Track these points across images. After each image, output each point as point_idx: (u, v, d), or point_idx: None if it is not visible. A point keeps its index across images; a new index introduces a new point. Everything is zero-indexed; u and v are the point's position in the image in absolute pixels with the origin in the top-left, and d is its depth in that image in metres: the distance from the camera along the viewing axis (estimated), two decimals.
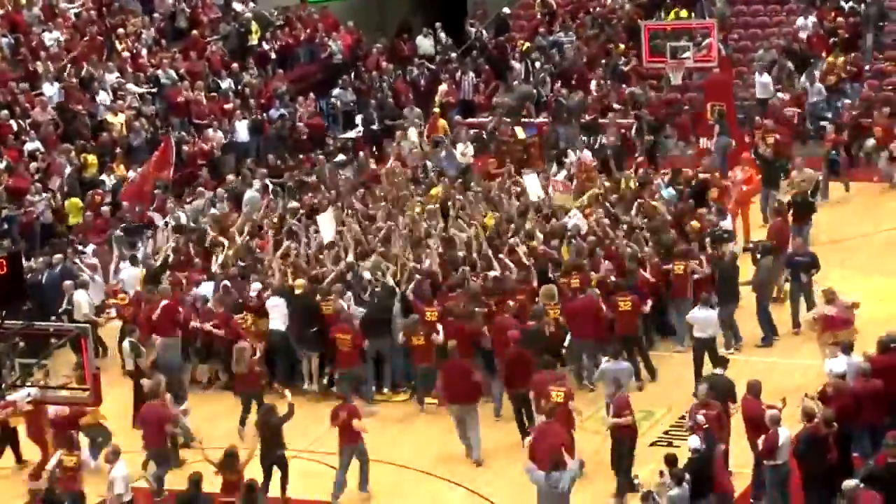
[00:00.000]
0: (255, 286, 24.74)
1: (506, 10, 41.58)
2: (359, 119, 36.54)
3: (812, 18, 37.12)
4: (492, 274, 24.07)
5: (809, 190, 28.01)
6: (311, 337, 23.90)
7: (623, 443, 19.40)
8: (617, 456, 19.47)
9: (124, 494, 18.93)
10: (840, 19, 36.66)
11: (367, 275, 24.63)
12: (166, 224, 29.61)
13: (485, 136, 34.64)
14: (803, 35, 36.81)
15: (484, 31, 40.73)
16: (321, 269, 25.22)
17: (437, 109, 35.30)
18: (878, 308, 22.98)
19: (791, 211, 26.88)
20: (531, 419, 21.05)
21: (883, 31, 37.34)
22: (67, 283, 26.18)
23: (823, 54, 35.51)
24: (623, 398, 19.36)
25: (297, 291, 24.05)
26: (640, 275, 23.74)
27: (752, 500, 18.65)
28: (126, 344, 23.56)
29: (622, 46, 38.35)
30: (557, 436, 18.53)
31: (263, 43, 38.61)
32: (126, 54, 35.88)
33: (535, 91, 37.29)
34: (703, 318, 22.86)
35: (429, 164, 32.18)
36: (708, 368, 22.11)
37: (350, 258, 25.26)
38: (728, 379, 20.54)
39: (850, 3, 37.07)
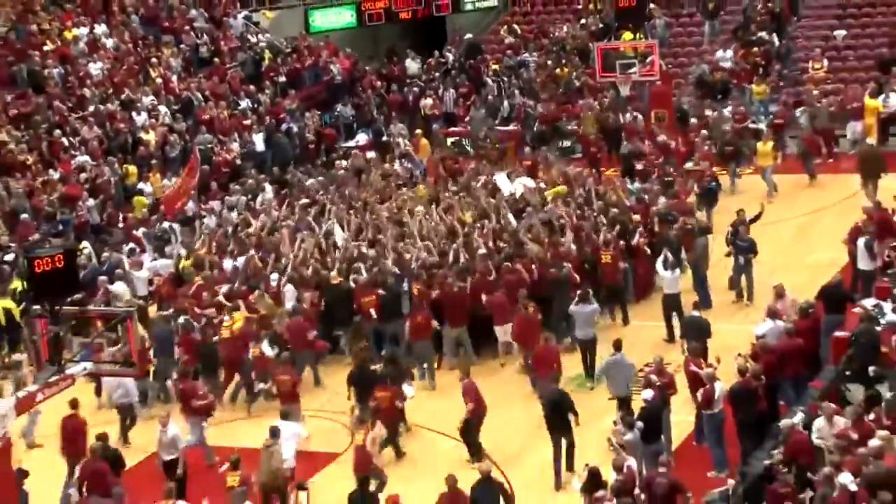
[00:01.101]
0: (274, 276, 24.61)
1: (469, 35, 41.33)
2: (361, 136, 36.36)
3: (730, 51, 37.05)
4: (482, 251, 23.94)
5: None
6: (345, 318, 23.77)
7: None
8: None
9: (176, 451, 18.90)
10: (755, 49, 36.60)
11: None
12: (202, 219, 29.51)
13: (464, 142, 34.58)
14: (724, 65, 36.69)
15: (461, 55, 40.63)
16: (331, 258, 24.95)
17: (418, 131, 35.00)
18: (800, 277, 23.01)
19: None
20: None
21: (790, 60, 37.44)
22: (102, 278, 26.03)
23: (747, 84, 35.49)
24: None
25: (333, 281, 23.88)
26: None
27: (694, 443, 18.70)
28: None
29: (576, 65, 38.34)
30: None
31: (275, 68, 38.51)
32: (159, 80, 35.81)
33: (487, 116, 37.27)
34: (669, 279, 23.14)
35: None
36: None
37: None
38: (705, 319, 21.09)
39: (762, 35, 36.95)
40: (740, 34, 37.77)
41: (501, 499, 17.39)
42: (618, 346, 20.08)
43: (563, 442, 18.71)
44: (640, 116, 33.94)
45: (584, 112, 35.06)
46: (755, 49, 36.60)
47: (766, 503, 15.26)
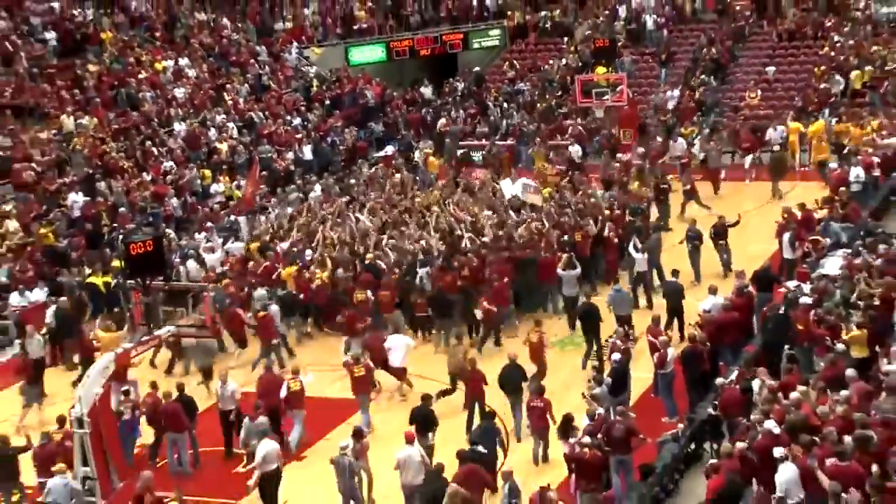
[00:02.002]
0: (308, 252, 24.66)
1: (476, 68, 41.19)
2: (389, 147, 36.19)
3: (677, 91, 36.79)
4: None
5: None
6: None
7: None
8: None
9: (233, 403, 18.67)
10: (697, 92, 36.49)
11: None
12: (265, 212, 29.58)
13: (470, 153, 34.49)
14: (670, 104, 36.34)
15: (469, 83, 40.57)
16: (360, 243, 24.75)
17: (428, 150, 34.90)
18: (740, 263, 22.78)
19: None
20: None
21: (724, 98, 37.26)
22: (176, 259, 26.10)
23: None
24: None
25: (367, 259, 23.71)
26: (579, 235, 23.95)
27: (652, 395, 18.62)
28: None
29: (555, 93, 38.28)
30: None
31: (321, 93, 38.44)
32: (230, 102, 35.82)
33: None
34: (639, 259, 23.08)
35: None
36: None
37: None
38: (680, 283, 21.48)
39: (703, 78, 36.73)
40: (688, 77, 37.39)
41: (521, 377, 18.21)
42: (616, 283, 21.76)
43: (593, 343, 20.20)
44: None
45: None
46: (697, 92, 36.30)
47: None
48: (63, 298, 23.69)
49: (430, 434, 16.79)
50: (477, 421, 17.67)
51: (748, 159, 31.04)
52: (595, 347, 20.33)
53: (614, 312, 20.99)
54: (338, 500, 15.98)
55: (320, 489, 16.78)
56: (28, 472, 17.17)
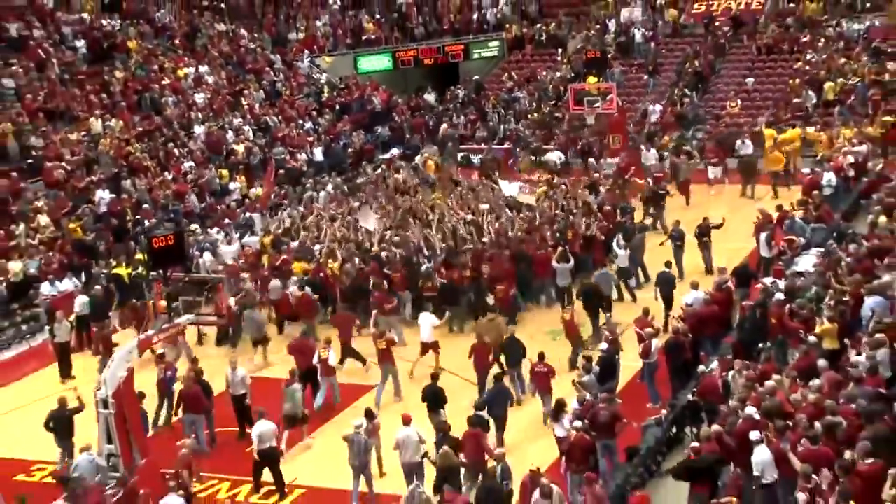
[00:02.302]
0: (316, 247, 24.71)
1: (476, 77, 41.11)
2: (394, 150, 36.19)
3: (660, 105, 36.68)
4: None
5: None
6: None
7: None
8: None
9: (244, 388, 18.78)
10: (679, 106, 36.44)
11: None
12: (279, 209, 29.72)
13: (470, 156, 34.50)
14: (653, 118, 36.24)
15: (469, 91, 40.55)
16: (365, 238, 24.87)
17: (425, 153, 34.73)
18: (721, 261, 22.87)
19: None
20: None
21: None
22: (195, 252, 26.17)
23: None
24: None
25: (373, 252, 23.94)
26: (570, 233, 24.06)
27: (638, 381, 18.69)
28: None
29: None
30: None
31: (332, 99, 38.42)
32: (246, 107, 35.81)
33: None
34: (622, 255, 23.28)
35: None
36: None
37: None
38: (672, 274, 21.82)
39: (686, 91, 36.68)
40: (672, 90, 37.23)
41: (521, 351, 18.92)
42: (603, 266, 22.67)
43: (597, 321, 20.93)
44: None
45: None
46: (679, 106, 36.17)
47: None
48: (97, 287, 23.84)
49: (442, 410, 17.05)
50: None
51: (715, 171, 30.66)
52: (594, 327, 20.90)
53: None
54: (348, 474, 16.08)
55: (332, 465, 16.87)
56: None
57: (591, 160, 32.43)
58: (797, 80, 35.06)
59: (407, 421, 15.93)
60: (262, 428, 16.57)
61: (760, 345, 17.48)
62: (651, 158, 31.19)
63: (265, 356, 21.46)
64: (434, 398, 17.30)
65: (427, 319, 20.55)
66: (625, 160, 31.19)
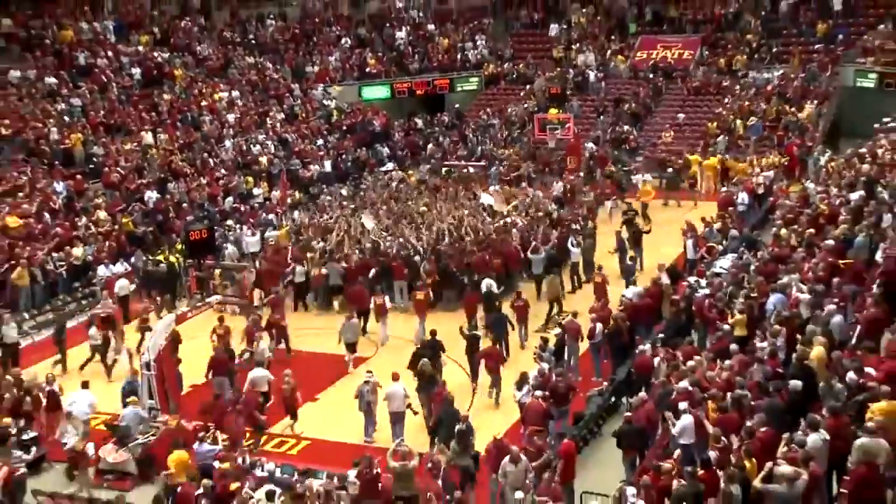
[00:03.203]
0: (321, 244, 24.39)
1: (458, 105, 40.99)
2: (389, 164, 36.01)
3: (591, 144, 35.74)
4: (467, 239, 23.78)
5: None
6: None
7: None
8: None
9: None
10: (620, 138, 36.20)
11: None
12: (292, 211, 29.63)
13: (451, 170, 34.45)
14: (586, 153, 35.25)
15: (453, 117, 40.47)
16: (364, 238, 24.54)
17: (410, 172, 34.58)
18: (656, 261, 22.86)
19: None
20: None
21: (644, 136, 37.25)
22: (223, 244, 26.03)
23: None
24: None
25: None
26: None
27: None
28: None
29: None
30: None
31: (340, 121, 38.23)
32: (269, 125, 35.69)
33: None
34: (574, 252, 23.47)
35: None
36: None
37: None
38: (555, 283, 21.85)
39: (626, 128, 36.49)
40: (611, 129, 36.79)
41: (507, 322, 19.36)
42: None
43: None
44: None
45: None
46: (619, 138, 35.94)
47: None
48: (152, 269, 24.05)
49: (439, 359, 17.52)
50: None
51: (608, 204, 29.70)
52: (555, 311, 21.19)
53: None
54: (347, 429, 16.49)
55: (334, 422, 17.12)
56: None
57: (551, 177, 32.42)
58: (714, 124, 34.78)
59: (395, 378, 16.24)
60: (256, 374, 17.11)
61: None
62: (557, 190, 30.39)
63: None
64: (433, 348, 17.82)
65: None
66: (573, 181, 31.09)
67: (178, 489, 13.57)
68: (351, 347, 19.43)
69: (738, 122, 34.48)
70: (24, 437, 16.05)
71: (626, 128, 36.18)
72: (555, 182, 31.57)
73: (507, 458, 13.25)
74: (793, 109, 34.50)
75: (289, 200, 30.70)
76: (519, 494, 12.59)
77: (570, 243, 23.58)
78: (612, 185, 30.69)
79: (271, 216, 28.92)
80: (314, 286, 23.21)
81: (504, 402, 17.09)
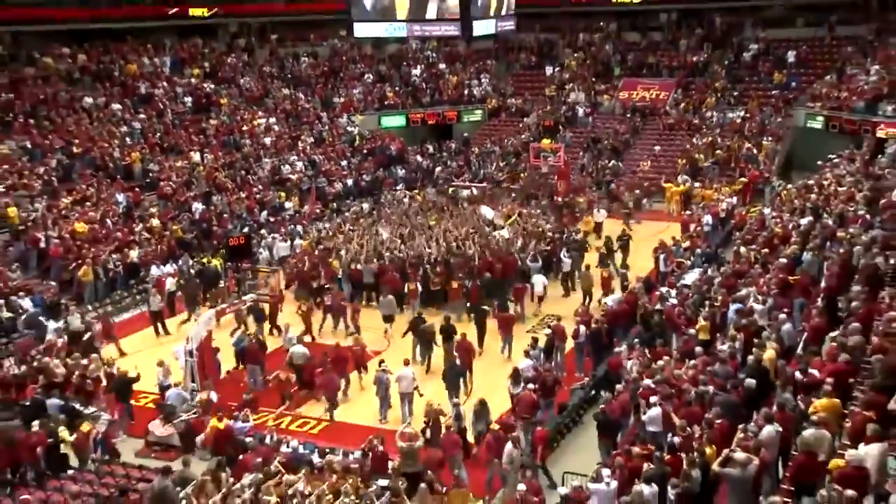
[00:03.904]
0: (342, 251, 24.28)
1: (465, 133, 41.09)
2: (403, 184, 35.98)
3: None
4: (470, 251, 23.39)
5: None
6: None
7: None
8: None
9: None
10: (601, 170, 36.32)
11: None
12: (318, 222, 29.70)
13: (458, 190, 34.28)
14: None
15: (460, 144, 40.55)
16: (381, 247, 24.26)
17: (417, 191, 34.36)
18: (632, 274, 22.92)
19: None
20: None
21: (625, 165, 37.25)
22: (257, 249, 26.12)
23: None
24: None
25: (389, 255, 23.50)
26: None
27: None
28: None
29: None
30: None
31: (362, 145, 38.20)
32: (300, 148, 35.75)
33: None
34: (567, 262, 23.35)
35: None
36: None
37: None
38: (589, 275, 22.14)
39: (607, 163, 36.61)
40: (588, 160, 36.79)
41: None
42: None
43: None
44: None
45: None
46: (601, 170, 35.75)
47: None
48: (198, 270, 24.15)
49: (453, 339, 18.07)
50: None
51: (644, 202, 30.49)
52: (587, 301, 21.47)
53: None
54: (363, 413, 16.57)
55: (351, 405, 17.05)
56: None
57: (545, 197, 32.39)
58: (683, 161, 34.56)
59: (406, 363, 16.62)
60: (297, 350, 17.63)
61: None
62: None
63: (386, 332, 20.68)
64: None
65: None
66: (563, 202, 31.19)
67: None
68: (387, 319, 20.53)
69: (701, 156, 34.46)
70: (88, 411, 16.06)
71: (608, 162, 36.07)
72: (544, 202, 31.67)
73: (509, 445, 13.25)
74: (750, 145, 34.47)
75: (317, 211, 30.75)
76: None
77: (562, 254, 23.58)
78: (569, 212, 30.04)
79: (299, 227, 28.98)
80: (354, 279, 23.01)
81: (496, 391, 17.15)
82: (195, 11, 39.00)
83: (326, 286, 22.51)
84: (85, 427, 14.70)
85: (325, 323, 21.01)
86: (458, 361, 17.09)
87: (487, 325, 19.72)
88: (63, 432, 14.38)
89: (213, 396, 16.38)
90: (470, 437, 14.89)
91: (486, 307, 20.20)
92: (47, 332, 19.64)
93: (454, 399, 15.97)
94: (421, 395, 16.20)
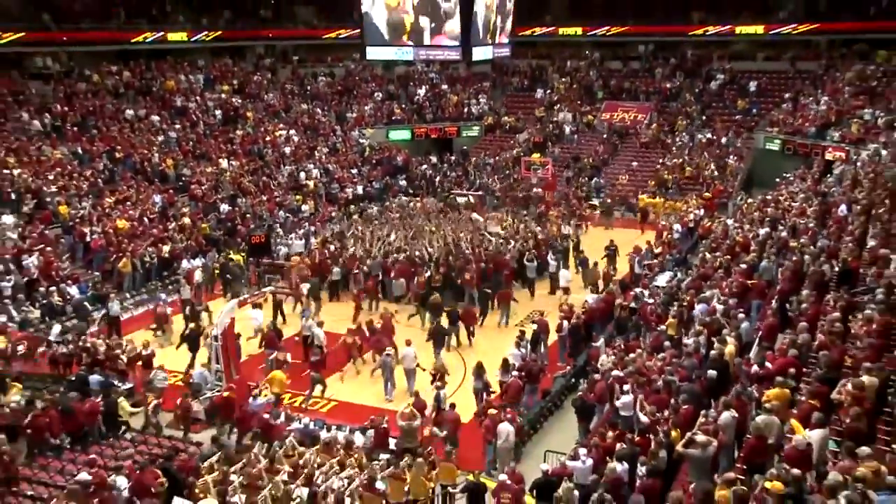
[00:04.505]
0: (352, 248, 24.38)
1: (464, 147, 41.02)
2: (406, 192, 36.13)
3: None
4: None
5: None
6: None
7: None
8: None
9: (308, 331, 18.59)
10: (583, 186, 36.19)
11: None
12: (330, 223, 29.59)
13: (457, 198, 34.33)
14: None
15: (459, 156, 40.53)
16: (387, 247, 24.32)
17: (419, 198, 34.31)
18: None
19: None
20: None
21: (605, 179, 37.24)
22: (276, 247, 25.96)
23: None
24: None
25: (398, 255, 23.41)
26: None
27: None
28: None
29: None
30: None
31: (371, 156, 38.16)
32: (316, 157, 35.74)
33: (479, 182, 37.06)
34: (553, 264, 23.25)
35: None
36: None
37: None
38: (596, 270, 22.57)
39: (586, 180, 36.59)
40: (570, 178, 36.63)
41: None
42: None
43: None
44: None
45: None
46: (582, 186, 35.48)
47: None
48: (221, 264, 24.13)
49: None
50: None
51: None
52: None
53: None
54: (369, 394, 16.52)
55: (357, 387, 17.04)
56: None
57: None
58: (653, 182, 34.49)
59: (408, 343, 16.72)
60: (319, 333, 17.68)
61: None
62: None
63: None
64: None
65: None
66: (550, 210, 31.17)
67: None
68: (398, 299, 21.25)
69: (669, 176, 34.49)
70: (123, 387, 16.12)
71: (585, 180, 35.85)
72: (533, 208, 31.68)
73: (505, 424, 13.24)
74: (715, 164, 34.53)
75: (331, 214, 30.72)
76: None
77: (549, 257, 23.58)
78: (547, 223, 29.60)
79: (313, 227, 28.97)
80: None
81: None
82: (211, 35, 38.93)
83: (355, 272, 22.46)
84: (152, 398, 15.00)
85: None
86: (445, 324, 17.81)
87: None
88: (123, 402, 14.65)
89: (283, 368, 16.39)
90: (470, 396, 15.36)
91: (488, 290, 20.92)
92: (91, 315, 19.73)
93: (439, 369, 16.06)
94: (423, 370, 16.31)
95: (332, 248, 24.90)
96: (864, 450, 8.25)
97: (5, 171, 25.05)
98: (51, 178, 25.99)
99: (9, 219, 23.06)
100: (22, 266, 21.10)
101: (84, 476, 10.97)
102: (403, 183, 36.49)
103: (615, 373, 13.95)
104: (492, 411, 13.87)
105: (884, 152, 25.38)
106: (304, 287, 21.61)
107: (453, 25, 38.52)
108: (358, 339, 18.01)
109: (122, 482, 11.09)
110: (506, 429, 13.20)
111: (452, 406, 14.20)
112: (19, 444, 13.06)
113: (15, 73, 30.95)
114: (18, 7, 31.03)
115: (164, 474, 11.29)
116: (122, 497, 10.95)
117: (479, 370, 15.42)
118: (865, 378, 9.80)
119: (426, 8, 38.21)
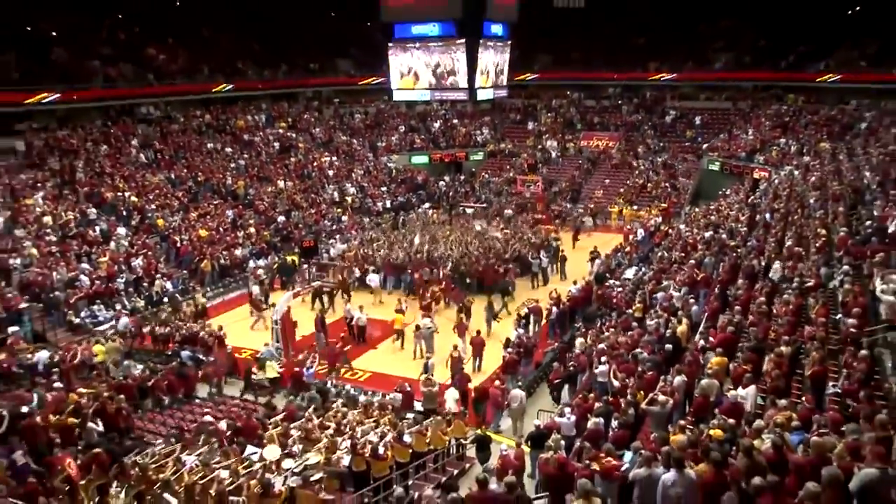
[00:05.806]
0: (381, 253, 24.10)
1: (472, 168, 40.88)
2: (426, 204, 35.75)
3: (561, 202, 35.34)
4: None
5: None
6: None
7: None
8: None
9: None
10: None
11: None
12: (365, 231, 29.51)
13: (468, 209, 34.35)
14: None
15: (468, 176, 40.40)
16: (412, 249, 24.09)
17: (435, 209, 33.93)
18: (585, 271, 22.79)
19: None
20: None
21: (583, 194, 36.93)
22: (322, 250, 26.02)
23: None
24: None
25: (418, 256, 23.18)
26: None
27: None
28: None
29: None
30: None
31: (397, 176, 37.98)
32: (353, 177, 35.63)
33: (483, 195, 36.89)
34: (545, 260, 23.09)
35: None
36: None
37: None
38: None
39: (564, 205, 36.23)
40: (558, 191, 36.10)
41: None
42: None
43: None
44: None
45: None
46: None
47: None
48: (280, 263, 24.20)
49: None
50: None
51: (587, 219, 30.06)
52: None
53: None
54: (400, 366, 16.35)
55: (389, 360, 17.07)
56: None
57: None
58: (620, 199, 34.11)
59: (426, 313, 17.21)
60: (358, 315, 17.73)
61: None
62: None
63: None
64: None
65: None
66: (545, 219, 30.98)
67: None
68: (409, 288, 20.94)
69: (633, 190, 34.44)
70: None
71: (567, 206, 34.94)
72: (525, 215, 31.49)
73: (516, 389, 13.19)
74: (669, 181, 34.47)
75: (366, 222, 30.80)
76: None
77: (541, 256, 23.51)
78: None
79: (350, 234, 29.03)
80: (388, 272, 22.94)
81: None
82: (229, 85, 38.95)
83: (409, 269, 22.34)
84: (271, 370, 15.24)
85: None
86: (430, 322, 16.91)
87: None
88: (272, 364, 15.12)
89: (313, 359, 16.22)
90: (468, 369, 15.29)
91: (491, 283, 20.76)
92: (182, 305, 20.04)
93: (428, 354, 16.18)
94: (437, 333, 16.55)
95: (364, 250, 24.90)
96: (782, 402, 8.40)
97: (119, 194, 25.66)
98: (151, 198, 26.51)
99: (122, 230, 23.75)
100: (131, 266, 21.74)
101: (208, 418, 11.91)
102: (424, 196, 36.51)
103: (600, 346, 13.94)
104: (497, 382, 13.95)
105: (796, 173, 25.71)
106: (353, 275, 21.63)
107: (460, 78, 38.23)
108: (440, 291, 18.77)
109: (223, 425, 11.81)
110: (518, 394, 13.25)
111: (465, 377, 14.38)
112: (147, 401, 13.61)
113: (128, 118, 31.64)
114: (130, 71, 32.17)
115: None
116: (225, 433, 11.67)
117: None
118: (784, 348, 9.91)
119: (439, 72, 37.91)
